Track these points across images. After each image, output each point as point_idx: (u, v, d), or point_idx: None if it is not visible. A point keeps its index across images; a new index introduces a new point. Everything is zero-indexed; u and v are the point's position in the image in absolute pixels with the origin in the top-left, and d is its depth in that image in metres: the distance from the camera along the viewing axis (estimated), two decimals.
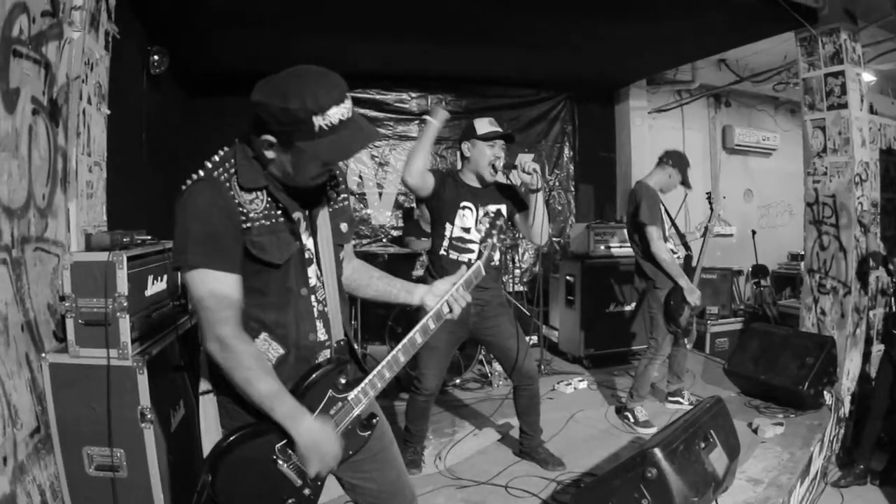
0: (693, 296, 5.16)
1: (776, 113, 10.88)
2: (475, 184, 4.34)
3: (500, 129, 4.31)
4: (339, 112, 1.89)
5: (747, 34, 6.74)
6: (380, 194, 8.39)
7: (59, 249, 3.36)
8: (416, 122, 8.55)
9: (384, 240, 8.13)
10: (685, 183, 5.51)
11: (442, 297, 2.40)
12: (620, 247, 7.51)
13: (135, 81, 5.20)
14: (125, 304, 3.04)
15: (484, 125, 4.29)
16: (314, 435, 1.98)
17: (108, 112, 3.97)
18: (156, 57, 5.54)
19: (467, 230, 4.28)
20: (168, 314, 3.60)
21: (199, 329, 1.97)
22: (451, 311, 2.42)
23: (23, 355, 2.96)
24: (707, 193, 5.96)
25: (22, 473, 2.85)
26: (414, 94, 8.57)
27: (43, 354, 3.08)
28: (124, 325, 3.05)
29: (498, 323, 4.41)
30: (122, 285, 3.04)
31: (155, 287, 3.45)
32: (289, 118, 1.86)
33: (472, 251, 4.28)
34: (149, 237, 3.55)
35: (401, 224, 8.34)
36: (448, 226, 4.29)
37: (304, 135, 1.88)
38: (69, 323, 3.07)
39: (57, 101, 3.36)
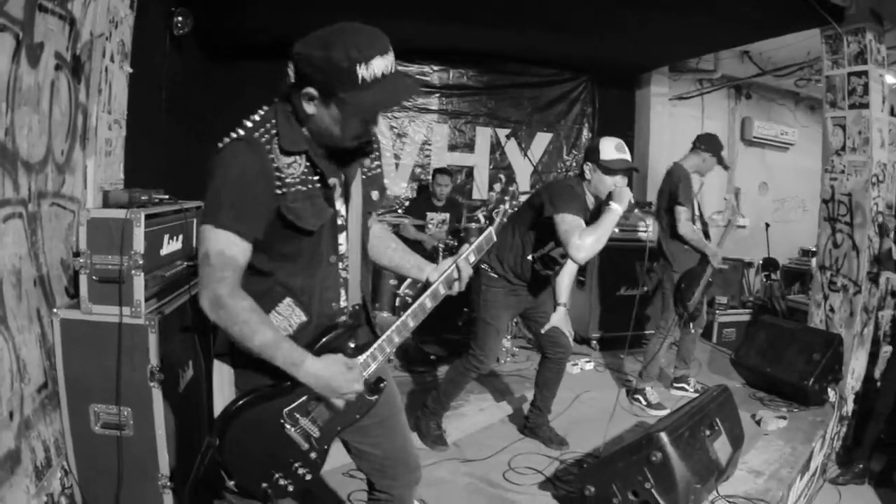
0: (716, 259, 5.28)
1: (796, 108, 10.77)
2: (591, 205, 4.09)
3: (626, 158, 3.98)
4: (382, 64, 1.86)
5: (773, 28, 6.67)
6: (396, 165, 8.38)
7: (74, 206, 3.36)
8: (437, 94, 8.54)
9: (399, 210, 8.06)
10: (721, 163, 5.64)
11: (453, 261, 2.34)
12: (635, 229, 7.52)
13: (157, 42, 5.17)
14: (140, 262, 3.03)
15: (609, 150, 3.94)
16: (319, 374, 1.97)
17: (131, 70, 3.95)
18: (179, 18, 5.51)
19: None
20: (182, 274, 3.60)
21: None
22: (460, 276, 2.34)
23: (34, 310, 2.97)
24: (731, 197, 5.96)
25: (27, 429, 2.87)
26: (436, 68, 8.53)
27: (54, 310, 3.09)
28: (139, 283, 3.04)
29: (549, 309, 4.47)
30: (139, 243, 3.03)
31: (170, 247, 3.44)
32: (331, 67, 1.83)
33: (556, 270, 4.30)
34: (166, 196, 3.54)
35: (415, 196, 8.33)
36: (553, 245, 4.09)
37: (347, 85, 1.85)
38: (83, 279, 3.06)
39: (80, 57, 3.34)
